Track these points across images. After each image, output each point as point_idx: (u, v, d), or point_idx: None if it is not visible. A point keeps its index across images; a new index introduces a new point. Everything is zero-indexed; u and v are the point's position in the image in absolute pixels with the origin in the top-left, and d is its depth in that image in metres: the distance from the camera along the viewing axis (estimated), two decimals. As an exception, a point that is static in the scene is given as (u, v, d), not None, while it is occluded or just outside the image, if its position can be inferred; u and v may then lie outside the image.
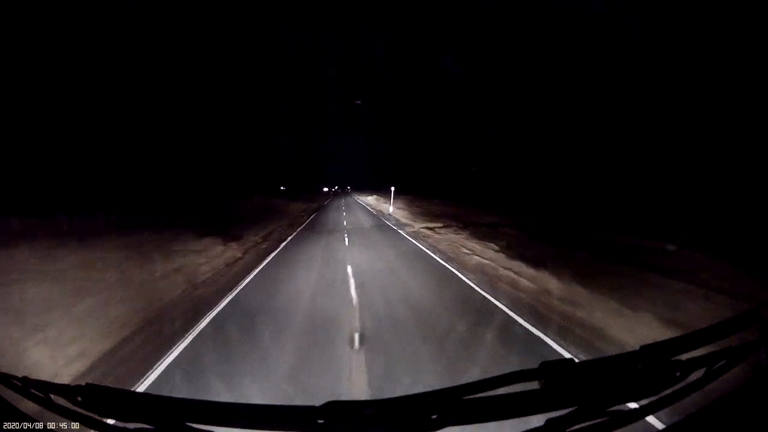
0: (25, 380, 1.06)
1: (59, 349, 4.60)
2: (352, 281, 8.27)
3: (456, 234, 15.84)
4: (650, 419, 2.82)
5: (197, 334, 5.35)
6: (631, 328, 5.38)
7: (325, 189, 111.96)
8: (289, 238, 16.14)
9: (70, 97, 20.60)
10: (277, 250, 13.13)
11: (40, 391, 1.05)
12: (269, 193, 46.26)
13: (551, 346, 4.95)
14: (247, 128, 47.49)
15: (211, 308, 6.56)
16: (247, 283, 8.43)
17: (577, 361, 0.94)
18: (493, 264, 10.10)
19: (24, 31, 18.59)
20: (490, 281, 8.52)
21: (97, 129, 22.73)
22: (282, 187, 65.00)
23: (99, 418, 0.99)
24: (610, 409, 0.93)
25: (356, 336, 5.09)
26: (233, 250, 12.33)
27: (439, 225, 19.15)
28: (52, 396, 1.04)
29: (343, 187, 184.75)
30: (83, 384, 1.00)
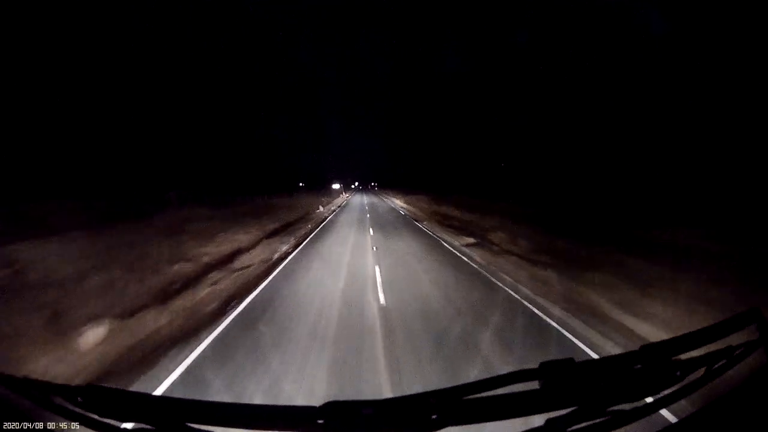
0: (26, 380, 1.06)
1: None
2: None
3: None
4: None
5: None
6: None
7: (336, 186, 77.87)
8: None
9: (82, 111, 20.70)
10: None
11: (41, 391, 1.05)
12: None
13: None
14: (248, 126, 46.77)
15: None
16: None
17: (577, 361, 0.94)
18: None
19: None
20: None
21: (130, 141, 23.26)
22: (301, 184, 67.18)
23: (99, 418, 0.99)
24: (610, 408, 0.93)
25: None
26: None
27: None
28: (52, 396, 1.03)
29: (365, 184, 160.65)
30: (83, 384, 1.01)
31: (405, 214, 29.04)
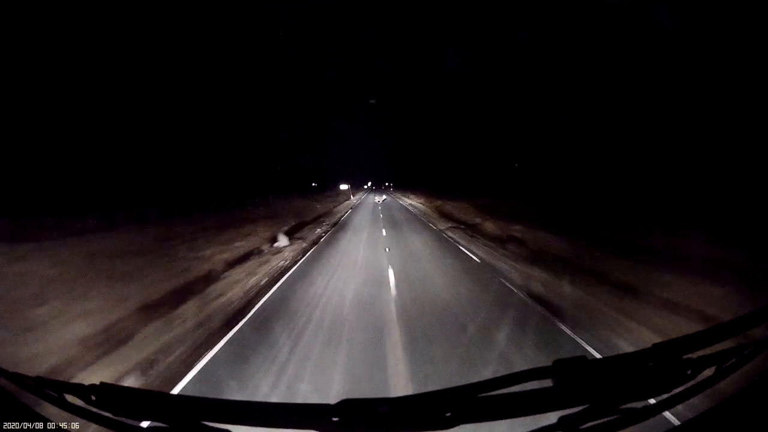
0: (39, 380, 1.06)
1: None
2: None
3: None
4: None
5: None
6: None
7: (344, 186, 71.60)
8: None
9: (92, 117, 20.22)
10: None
11: (54, 390, 1.05)
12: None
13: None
14: (249, 123, 44.12)
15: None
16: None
17: (590, 359, 0.94)
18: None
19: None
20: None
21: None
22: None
23: (113, 417, 0.99)
24: (622, 407, 0.94)
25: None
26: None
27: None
28: (66, 395, 1.04)
29: (378, 184, 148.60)
30: (97, 383, 1.00)
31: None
